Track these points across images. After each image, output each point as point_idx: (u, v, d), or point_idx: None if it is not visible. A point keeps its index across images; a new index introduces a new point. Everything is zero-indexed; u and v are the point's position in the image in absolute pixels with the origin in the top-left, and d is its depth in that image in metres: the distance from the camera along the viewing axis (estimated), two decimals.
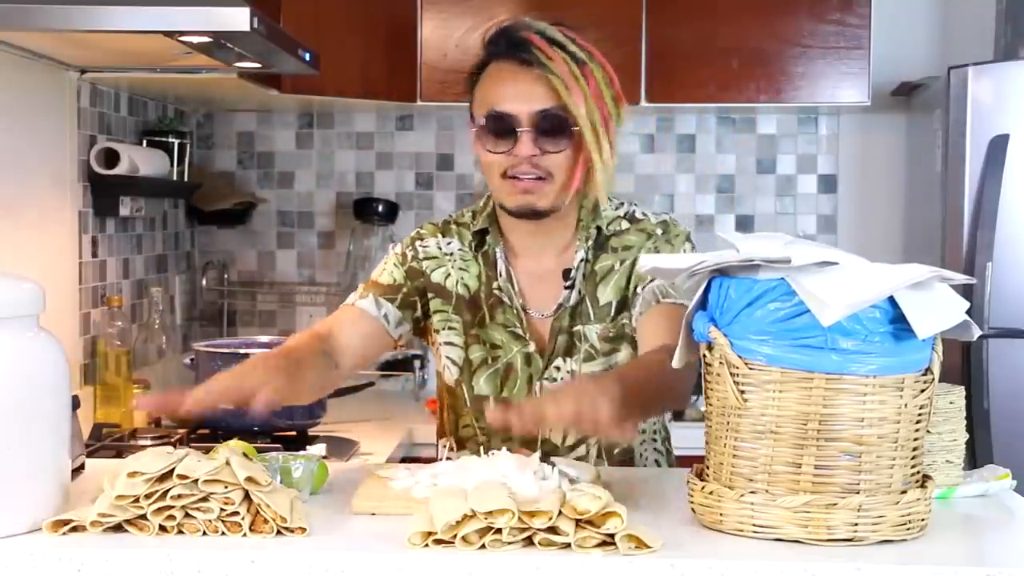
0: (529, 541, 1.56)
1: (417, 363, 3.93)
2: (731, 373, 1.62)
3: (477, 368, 2.18)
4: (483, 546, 1.54)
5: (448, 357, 2.20)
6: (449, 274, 2.20)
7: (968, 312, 1.65)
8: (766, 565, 1.51)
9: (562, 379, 2.14)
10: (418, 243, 2.24)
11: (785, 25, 3.68)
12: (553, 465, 1.77)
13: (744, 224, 4.11)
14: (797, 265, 1.59)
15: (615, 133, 2.10)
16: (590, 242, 2.15)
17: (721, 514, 1.64)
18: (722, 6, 3.68)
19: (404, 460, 3.13)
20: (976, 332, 1.67)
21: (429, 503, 1.62)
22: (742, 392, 1.61)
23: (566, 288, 2.14)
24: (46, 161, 2.93)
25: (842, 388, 1.58)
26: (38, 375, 1.64)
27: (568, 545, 1.54)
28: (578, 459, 2.13)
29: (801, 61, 3.67)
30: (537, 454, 1.82)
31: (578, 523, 1.55)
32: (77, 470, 1.89)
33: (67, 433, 1.71)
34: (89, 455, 2.31)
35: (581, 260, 2.14)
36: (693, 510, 1.69)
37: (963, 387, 1.89)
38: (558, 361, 2.15)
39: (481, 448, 2.02)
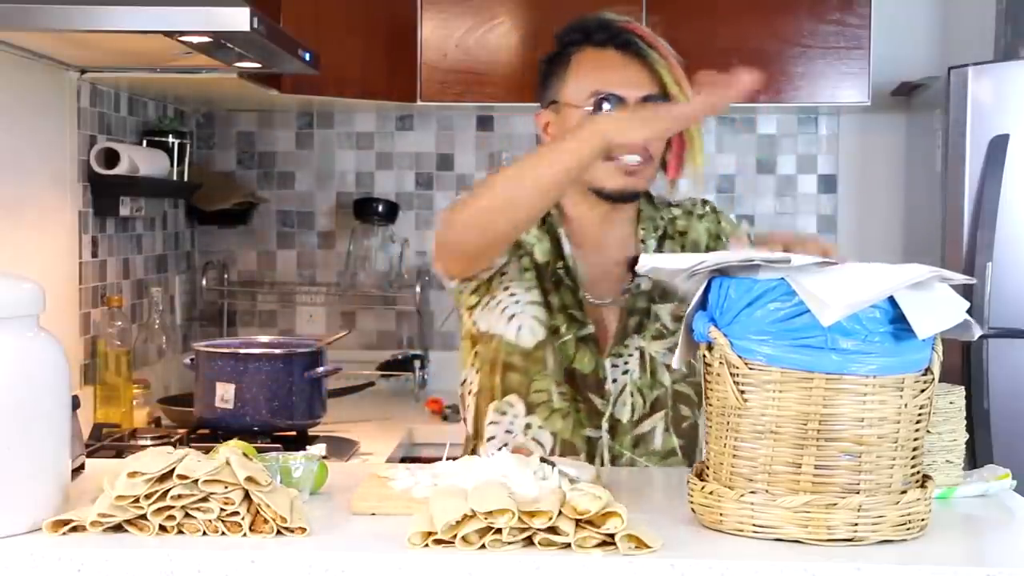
0: (529, 541, 1.56)
1: (417, 363, 3.94)
2: (731, 373, 1.62)
3: (564, 334, 2.17)
4: (483, 546, 1.54)
5: (535, 317, 2.16)
6: (532, 242, 2.21)
7: (968, 312, 1.65)
8: (766, 565, 1.51)
9: (630, 356, 2.16)
10: None
11: (785, 25, 3.68)
12: (553, 465, 1.77)
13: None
14: (797, 264, 1.59)
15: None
16: (659, 232, 2.22)
17: (721, 514, 1.63)
18: (722, 6, 3.68)
19: (404, 460, 3.13)
20: (977, 332, 1.67)
21: (429, 503, 1.62)
22: (742, 392, 1.61)
23: (638, 277, 2.17)
24: (46, 161, 2.93)
25: (842, 388, 1.57)
26: (38, 375, 1.64)
27: (568, 545, 1.54)
28: (643, 435, 2.15)
29: (801, 61, 3.67)
30: (537, 454, 1.82)
31: (578, 523, 1.55)
32: (77, 470, 1.89)
33: (67, 433, 1.71)
34: (89, 455, 2.31)
35: (654, 251, 2.20)
36: (693, 510, 1.69)
37: (963, 387, 1.89)
38: (627, 339, 2.17)
39: (558, 415, 2.09)
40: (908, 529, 1.62)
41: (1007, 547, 1.72)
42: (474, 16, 3.70)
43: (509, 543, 1.55)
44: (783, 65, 3.68)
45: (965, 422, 1.88)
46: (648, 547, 1.53)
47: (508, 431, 2.19)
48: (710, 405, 1.69)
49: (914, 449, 1.64)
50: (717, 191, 4.11)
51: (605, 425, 2.16)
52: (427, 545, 1.55)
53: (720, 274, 1.67)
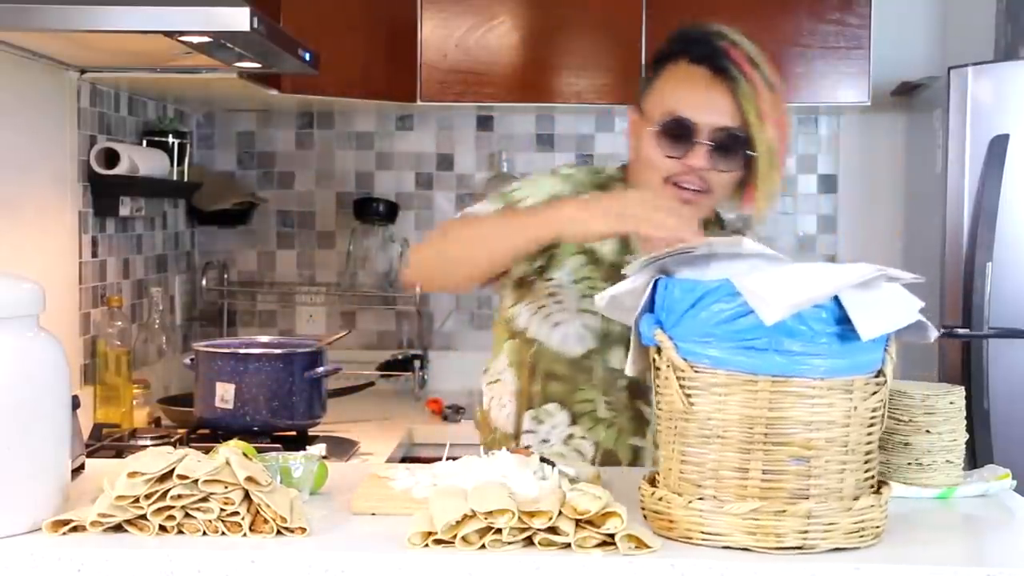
0: (529, 541, 1.56)
1: (417, 363, 3.94)
2: (677, 376, 1.58)
3: (616, 342, 2.11)
4: (483, 546, 1.54)
5: (586, 325, 2.12)
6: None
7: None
8: (766, 565, 1.51)
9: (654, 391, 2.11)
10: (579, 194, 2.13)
11: (785, 25, 3.68)
12: (553, 465, 1.77)
13: (744, 224, 4.10)
14: (748, 251, 1.57)
15: (782, 165, 2.09)
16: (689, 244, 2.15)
17: (671, 520, 1.59)
18: (722, 6, 3.67)
19: (404, 460, 3.13)
20: (933, 334, 1.62)
21: (429, 503, 1.62)
22: (688, 396, 1.57)
23: None
24: (46, 161, 2.93)
25: (788, 391, 1.53)
26: (38, 375, 1.64)
27: (568, 545, 1.54)
28: None
29: (801, 61, 3.68)
30: (537, 454, 1.82)
31: (578, 523, 1.55)
32: (77, 470, 1.89)
33: (67, 433, 1.71)
34: (89, 455, 2.31)
35: None
36: (645, 516, 1.65)
37: (963, 387, 1.89)
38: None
39: (602, 425, 2.05)
40: (861, 536, 1.57)
41: (1007, 547, 1.72)
42: (474, 16, 3.70)
43: (509, 543, 1.54)
44: (783, 65, 3.67)
45: (965, 422, 1.88)
46: (648, 547, 1.53)
47: (545, 440, 2.15)
48: (660, 409, 1.65)
49: (867, 454, 1.59)
50: None
51: (650, 435, 2.12)
52: (427, 545, 1.55)
53: (665, 273, 1.65)
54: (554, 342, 2.15)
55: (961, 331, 3.25)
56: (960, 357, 3.29)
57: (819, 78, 3.68)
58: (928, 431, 1.83)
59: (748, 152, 2.04)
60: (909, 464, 1.84)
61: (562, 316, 2.13)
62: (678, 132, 2.03)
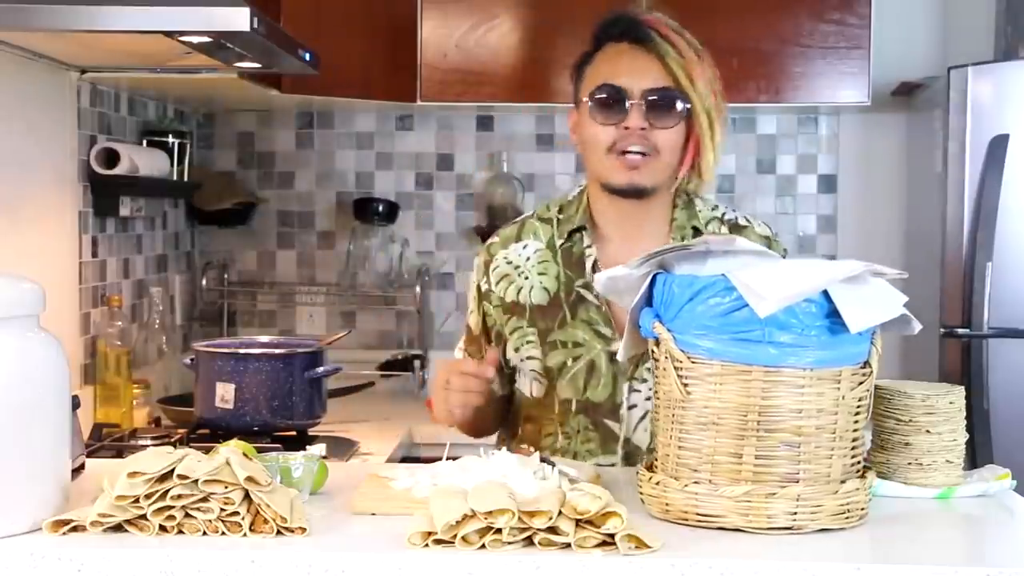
0: (529, 541, 1.56)
1: (417, 363, 3.94)
2: (675, 367, 1.65)
3: (558, 374, 2.15)
4: (483, 546, 1.54)
5: (533, 371, 2.17)
6: (521, 287, 2.18)
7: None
8: (766, 565, 1.51)
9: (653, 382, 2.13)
10: (490, 268, 2.22)
11: (785, 25, 3.68)
12: (553, 465, 1.77)
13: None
14: (741, 248, 1.63)
15: (722, 127, 2.12)
16: (687, 241, 2.15)
17: (667, 504, 1.67)
18: (722, 6, 3.68)
19: (404, 460, 3.13)
20: (917, 327, 1.71)
21: (429, 503, 1.62)
22: (685, 385, 1.65)
23: None
24: (46, 161, 2.93)
25: (780, 380, 1.61)
26: (38, 375, 1.64)
27: (568, 545, 1.54)
28: None
29: (801, 61, 3.68)
30: (537, 454, 1.82)
31: (578, 523, 1.55)
32: (77, 470, 1.89)
33: (67, 433, 1.71)
34: (89, 455, 2.31)
35: None
36: (643, 500, 1.72)
37: (963, 387, 1.89)
38: (651, 363, 2.12)
39: (559, 454, 2.10)
40: (847, 518, 1.65)
41: (1007, 547, 1.72)
42: (474, 16, 3.70)
43: (509, 543, 1.55)
44: (783, 65, 3.68)
45: (965, 422, 1.88)
46: (648, 547, 1.53)
47: None
48: (657, 398, 1.73)
49: (853, 440, 1.68)
50: (717, 191, 4.11)
51: (620, 451, 2.13)
52: (427, 545, 1.55)
53: (664, 269, 1.71)
54: (524, 388, 2.21)
55: (961, 331, 3.26)
56: (960, 357, 3.29)
57: (819, 78, 3.68)
58: (928, 431, 1.83)
59: (684, 107, 2.07)
60: (909, 464, 1.84)
61: (520, 365, 2.20)
62: (611, 99, 2.07)
